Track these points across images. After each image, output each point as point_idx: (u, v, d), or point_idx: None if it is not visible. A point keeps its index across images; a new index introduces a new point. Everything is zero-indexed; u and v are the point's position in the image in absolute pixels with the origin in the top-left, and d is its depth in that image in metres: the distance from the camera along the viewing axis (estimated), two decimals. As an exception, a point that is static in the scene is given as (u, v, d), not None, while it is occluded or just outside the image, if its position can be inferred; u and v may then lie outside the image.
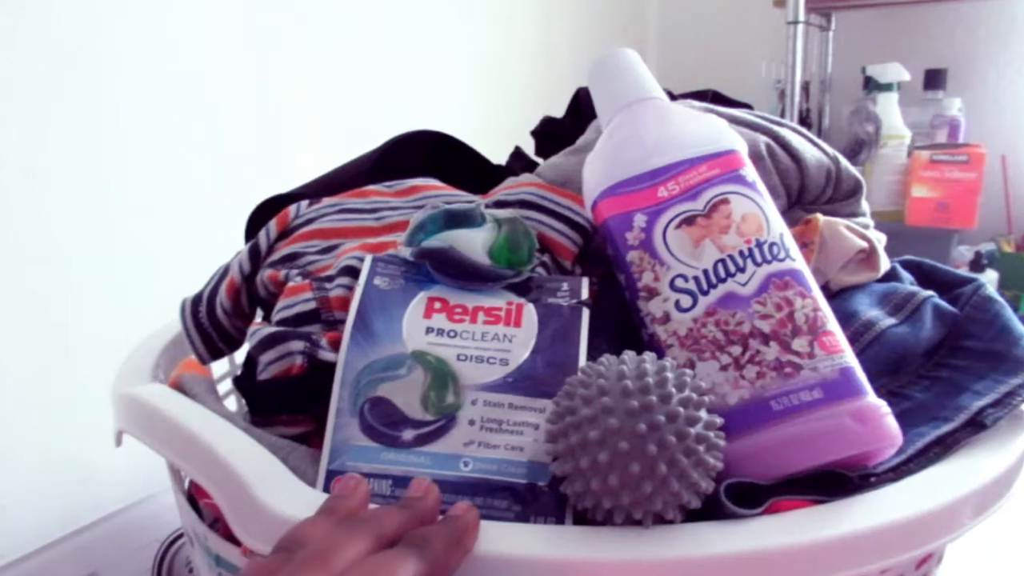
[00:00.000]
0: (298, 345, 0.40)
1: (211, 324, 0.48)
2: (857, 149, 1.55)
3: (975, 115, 1.61)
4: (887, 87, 1.59)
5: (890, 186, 1.54)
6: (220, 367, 0.58)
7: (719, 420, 0.34)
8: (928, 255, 0.52)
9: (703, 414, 0.34)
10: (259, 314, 0.50)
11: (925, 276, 0.51)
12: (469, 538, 0.32)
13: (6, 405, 0.79)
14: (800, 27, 1.53)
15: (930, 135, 1.58)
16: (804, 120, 1.69)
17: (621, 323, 0.43)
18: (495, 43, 1.47)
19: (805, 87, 1.68)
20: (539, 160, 0.61)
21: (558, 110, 0.64)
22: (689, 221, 0.40)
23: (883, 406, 0.37)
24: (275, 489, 0.35)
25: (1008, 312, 0.46)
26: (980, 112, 1.63)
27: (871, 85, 1.62)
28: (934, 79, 1.60)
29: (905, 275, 0.50)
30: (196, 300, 0.48)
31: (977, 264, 1.50)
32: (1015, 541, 0.60)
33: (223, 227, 0.54)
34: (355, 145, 0.62)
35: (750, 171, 0.42)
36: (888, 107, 1.57)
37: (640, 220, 0.41)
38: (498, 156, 0.65)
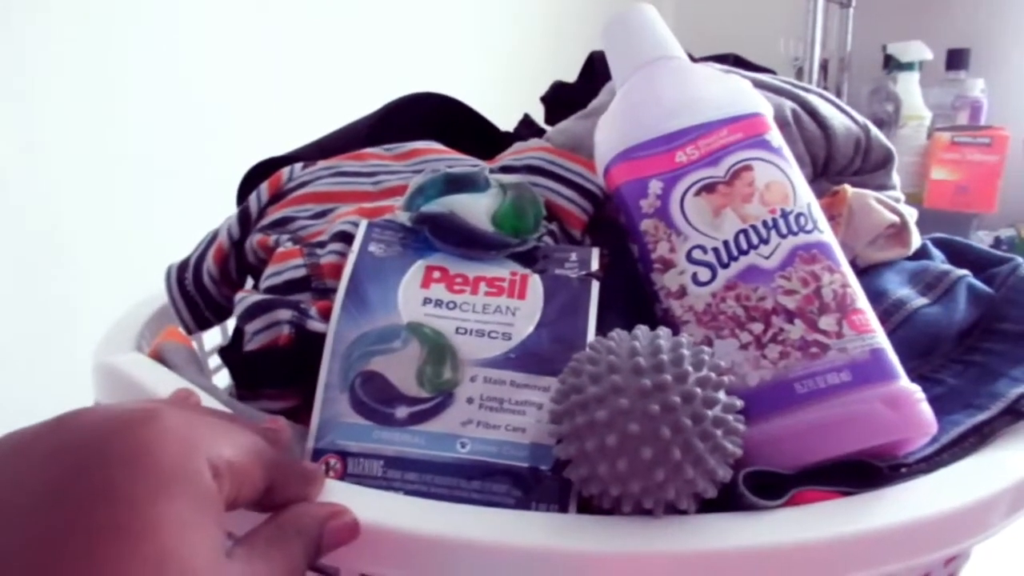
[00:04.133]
0: (285, 314, 0.37)
1: (197, 291, 0.45)
2: (876, 129, 1.50)
3: (998, 96, 1.56)
4: (908, 66, 1.54)
5: (909, 168, 1.49)
6: (214, 338, 0.55)
7: (739, 403, 0.31)
8: (946, 239, 0.49)
9: (722, 396, 0.31)
10: (249, 282, 0.47)
11: (957, 255, 0.47)
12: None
13: (4, 380, 0.77)
14: (820, 3, 1.49)
15: (951, 116, 1.54)
16: (822, 99, 1.64)
17: (633, 297, 0.40)
18: (508, 6, 1.44)
19: (824, 65, 1.63)
20: (549, 128, 0.58)
21: (570, 78, 0.61)
22: (709, 188, 0.37)
23: (917, 391, 0.34)
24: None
25: (1048, 294, 0.43)
26: (1003, 93, 1.58)
27: (891, 64, 1.57)
28: (957, 59, 1.56)
29: (936, 253, 0.47)
30: (182, 266, 0.46)
31: (996, 249, 1.46)
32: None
33: (231, 198, 0.52)
34: (362, 110, 0.59)
35: (775, 136, 0.39)
36: (909, 87, 1.53)
37: (656, 187, 0.38)
38: (508, 127, 0.62)
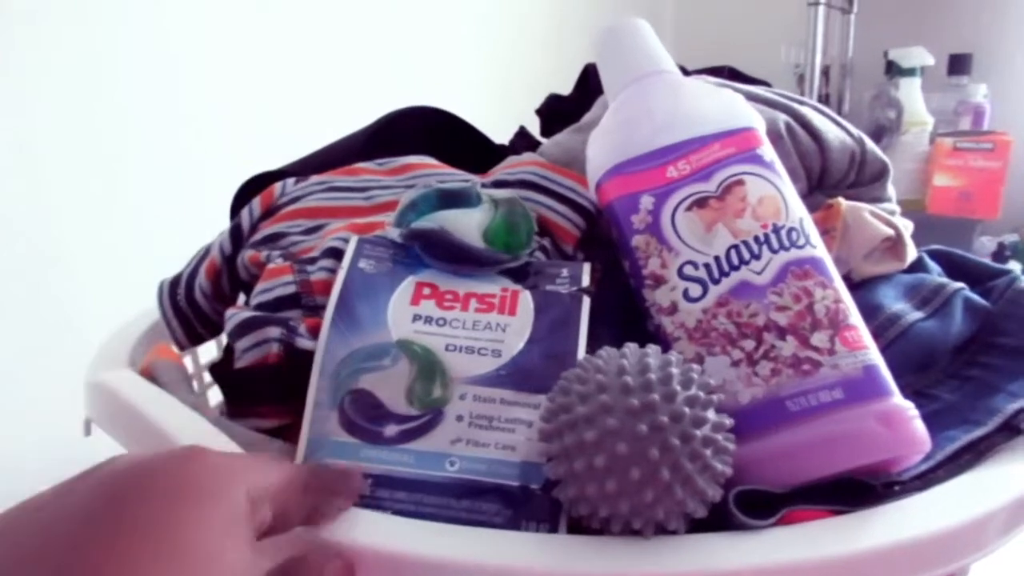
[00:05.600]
0: (275, 332, 0.37)
1: (190, 307, 0.45)
2: (878, 135, 1.50)
3: (1001, 102, 1.56)
4: (910, 72, 1.54)
5: (911, 174, 1.49)
6: (210, 351, 0.55)
7: (728, 421, 0.31)
8: (949, 246, 0.49)
9: (711, 414, 0.30)
10: (242, 298, 0.47)
11: (954, 267, 0.47)
12: None
13: (1, 386, 0.77)
14: (821, 9, 1.49)
15: (953, 122, 1.53)
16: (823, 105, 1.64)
17: (625, 313, 0.40)
18: (505, 18, 1.44)
19: (825, 71, 1.63)
20: (544, 141, 0.57)
21: (570, 90, 0.61)
22: (700, 203, 0.37)
23: (910, 408, 0.33)
24: (244, 488, 0.32)
25: (1046, 307, 0.42)
26: (1006, 99, 1.57)
27: (893, 70, 1.57)
28: (959, 64, 1.55)
29: (933, 266, 0.47)
30: (174, 282, 0.46)
31: (1000, 255, 1.45)
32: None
33: (227, 203, 0.52)
34: (361, 120, 0.58)
35: (768, 150, 0.39)
36: (911, 92, 1.52)
37: (647, 202, 0.38)
38: (507, 138, 0.62)
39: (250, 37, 0.98)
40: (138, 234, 0.86)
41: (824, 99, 1.65)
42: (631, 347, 0.32)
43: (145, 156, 0.87)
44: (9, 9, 0.73)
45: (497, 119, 0.66)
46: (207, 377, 0.56)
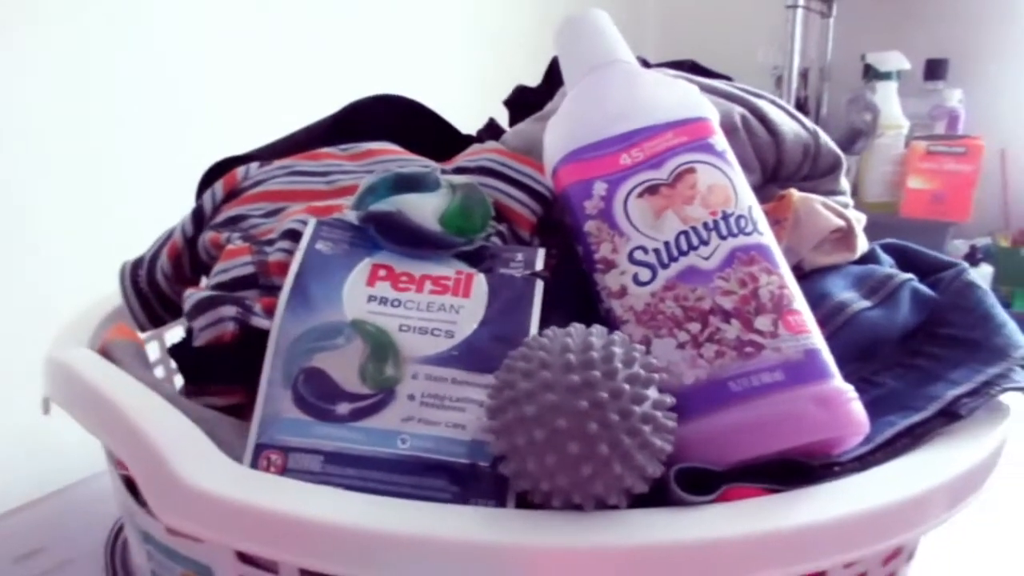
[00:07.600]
0: (230, 311, 0.37)
1: (150, 289, 0.45)
2: (854, 138, 1.52)
3: (975, 107, 1.58)
4: (887, 76, 1.56)
5: (886, 176, 1.51)
6: (176, 338, 0.55)
7: (669, 400, 0.32)
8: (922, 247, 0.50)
9: (652, 392, 0.31)
10: (204, 280, 0.47)
11: (906, 260, 0.48)
12: None
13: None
14: (800, 12, 1.50)
15: (929, 126, 1.56)
16: (801, 107, 1.66)
17: (579, 298, 0.40)
18: (488, 14, 1.44)
19: (803, 74, 1.65)
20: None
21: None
22: (652, 190, 0.38)
23: (849, 391, 0.34)
24: (194, 462, 0.32)
25: (990, 299, 0.43)
26: (980, 104, 1.60)
27: (870, 73, 1.59)
28: (935, 69, 1.58)
29: (885, 258, 0.48)
30: (136, 264, 0.46)
31: (972, 258, 1.47)
32: (990, 539, 0.58)
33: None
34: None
35: (720, 140, 0.40)
36: (887, 96, 1.55)
37: (600, 188, 0.38)
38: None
39: (232, 29, 0.98)
40: (115, 223, 0.86)
41: (802, 101, 1.67)
42: (577, 327, 0.33)
43: (124, 144, 0.86)
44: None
45: (479, 113, 0.66)
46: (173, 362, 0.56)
